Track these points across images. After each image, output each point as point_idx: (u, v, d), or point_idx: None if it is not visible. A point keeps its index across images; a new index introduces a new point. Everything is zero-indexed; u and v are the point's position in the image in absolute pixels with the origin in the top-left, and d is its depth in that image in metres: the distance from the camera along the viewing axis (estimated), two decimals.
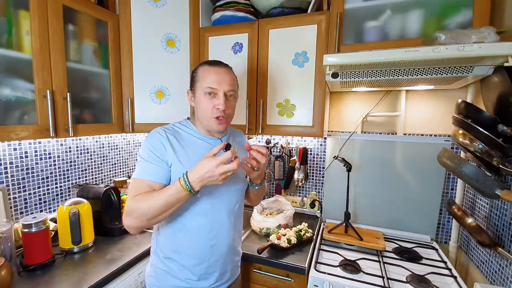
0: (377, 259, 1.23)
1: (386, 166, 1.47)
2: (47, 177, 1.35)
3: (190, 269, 0.92)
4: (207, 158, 0.79)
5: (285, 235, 1.30)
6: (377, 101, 1.54)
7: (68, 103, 1.13)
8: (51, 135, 1.08)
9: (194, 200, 0.89)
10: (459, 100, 1.03)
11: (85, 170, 1.55)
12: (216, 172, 0.76)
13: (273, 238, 1.27)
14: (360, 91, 1.55)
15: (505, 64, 0.88)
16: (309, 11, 1.37)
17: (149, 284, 0.97)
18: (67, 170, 1.45)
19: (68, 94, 1.13)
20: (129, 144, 1.88)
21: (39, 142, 1.31)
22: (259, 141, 1.80)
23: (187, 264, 0.92)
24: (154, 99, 1.48)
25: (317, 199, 1.68)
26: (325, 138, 1.64)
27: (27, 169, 1.26)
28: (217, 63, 0.94)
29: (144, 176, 0.85)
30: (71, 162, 1.47)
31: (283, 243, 1.23)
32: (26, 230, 1.02)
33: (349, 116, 1.61)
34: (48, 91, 1.05)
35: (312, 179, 1.72)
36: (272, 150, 1.75)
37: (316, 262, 1.17)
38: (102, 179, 1.67)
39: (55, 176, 1.39)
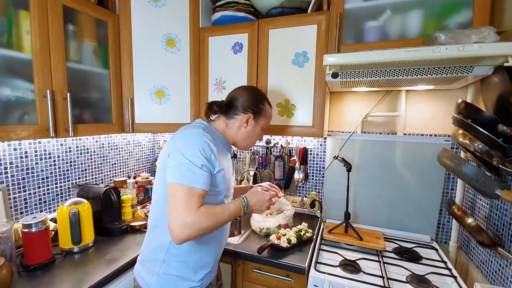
0: (377, 259, 1.23)
1: (386, 166, 1.47)
2: (47, 177, 1.35)
3: (205, 266, 0.95)
4: (258, 191, 0.99)
5: (285, 235, 1.29)
6: (377, 101, 1.54)
7: (68, 103, 1.13)
8: (51, 135, 1.08)
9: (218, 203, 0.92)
10: (459, 100, 1.03)
11: (85, 170, 1.55)
12: (264, 205, 0.97)
13: (273, 238, 1.27)
14: (360, 91, 1.55)
15: (505, 64, 0.87)
16: (309, 11, 1.37)
17: None
18: (67, 170, 1.45)
19: (68, 94, 1.13)
20: (129, 144, 1.88)
21: (39, 142, 1.31)
22: (259, 141, 1.80)
23: (203, 262, 0.95)
24: (154, 99, 1.48)
25: (317, 199, 1.68)
26: (325, 138, 1.64)
27: (27, 169, 1.26)
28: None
29: (199, 185, 0.82)
30: (71, 162, 1.47)
31: (283, 243, 1.23)
32: (26, 230, 1.02)
33: (349, 116, 1.61)
34: (48, 91, 1.05)
35: (312, 179, 1.72)
36: (272, 150, 1.75)
37: (316, 262, 1.17)
38: (102, 179, 1.67)
39: (55, 176, 1.39)
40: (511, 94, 0.89)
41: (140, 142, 1.98)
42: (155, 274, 0.91)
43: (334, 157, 1.47)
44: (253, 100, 1.01)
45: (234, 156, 1.07)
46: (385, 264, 1.18)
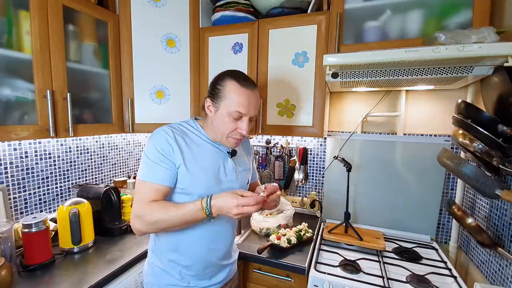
0: (377, 259, 1.23)
1: (386, 166, 1.47)
2: (47, 177, 1.35)
3: (188, 268, 0.93)
4: (232, 194, 0.80)
5: (285, 235, 1.30)
6: (377, 101, 1.54)
7: (68, 103, 1.13)
8: (51, 135, 1.08)
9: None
10: (459, 100, 1.03)
11: (85, 170, 1.55)
12: (232, 211, 0.79)
13: (273, 238, 1.27)
14: (360, 91, 1.55)
15: (505, 64, 0.88)
16: (309, 11, 1.37)
17: (146, 282, 0.98)
18: (67, 170, 1.45)
19: (68, 94, 1.13)
20: (129, 144, 1.88)
21: (39, 142, 1.31)
22: (259, 141, 1.81)
23: (185, 263, 0.92)
24: (154, 99, 1.48)
25: (317, 199, 1.68)
26: (325, 138, 1.64)
27: (27, 169, 1.26)
28: (247, 83, 0.87)
29: (154, 180, 0.83)
30: (71, 162, 1.47)
31: (283, 243, 1.23)
32: (26, 230, 1.02)
33: (349, 116, 1.61)
34: (48, 91, 1.05)
35: (312, 179, 1.72)
36: (272, 150, 1.75)
37: (316, 262, 1.17)
38: (102, 179, 1.67)
39: (55, 176, 1.39)
40: (511, 94, 0.89)
41: (140, 142, 1.98)
42: (147, 262, 0.99)
43: (334, 157, 1.47)
44: (212, 82, 0.92)
45: (231, 154, 0.97)
46: (385, 264, 1.18)
